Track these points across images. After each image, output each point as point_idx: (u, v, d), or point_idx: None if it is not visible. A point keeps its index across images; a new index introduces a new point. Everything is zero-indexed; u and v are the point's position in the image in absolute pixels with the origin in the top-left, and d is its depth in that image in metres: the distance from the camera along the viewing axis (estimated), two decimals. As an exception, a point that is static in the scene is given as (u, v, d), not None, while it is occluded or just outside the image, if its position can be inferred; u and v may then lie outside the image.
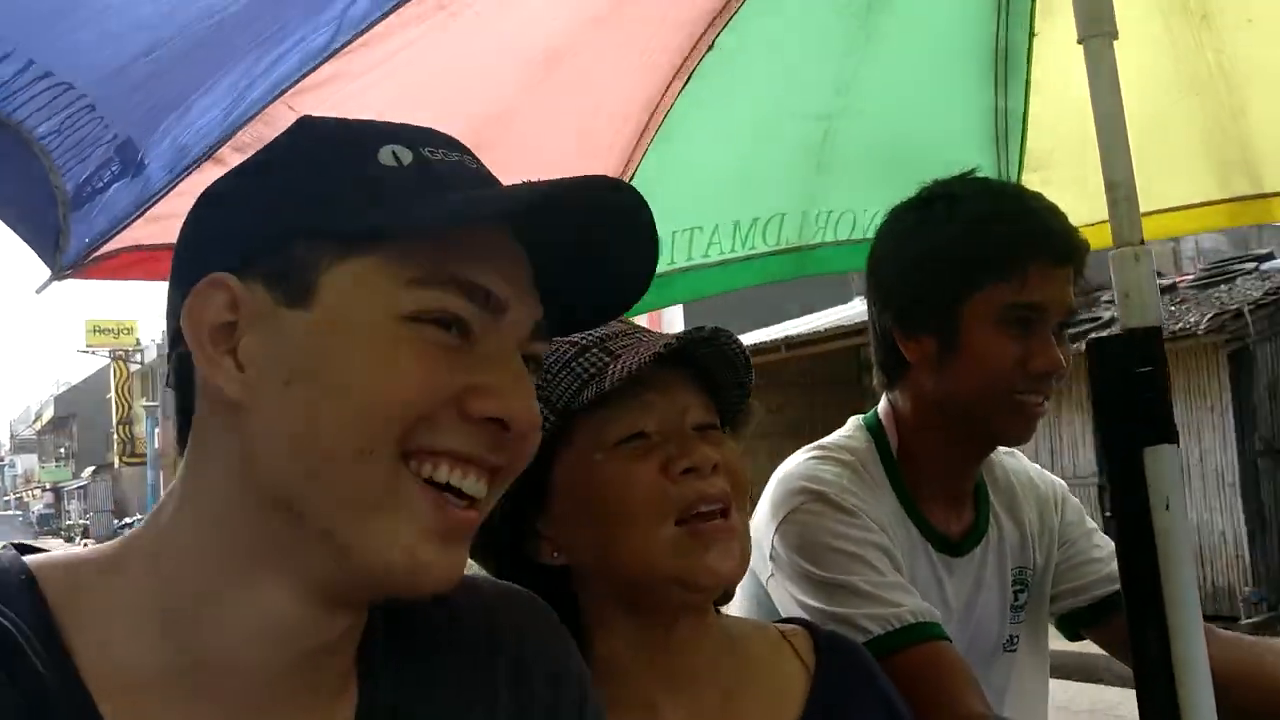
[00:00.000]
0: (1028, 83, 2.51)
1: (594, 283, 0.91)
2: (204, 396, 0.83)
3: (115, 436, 40.64)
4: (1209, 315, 10.22)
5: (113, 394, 40.50)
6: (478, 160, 0.89)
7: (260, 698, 0.81)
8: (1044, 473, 1.99)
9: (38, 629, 0.77)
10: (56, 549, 0.88)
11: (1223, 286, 11.57)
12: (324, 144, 0.85)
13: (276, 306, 0.79)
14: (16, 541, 0.90)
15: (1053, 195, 1.73)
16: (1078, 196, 2.11)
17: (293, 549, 0.78)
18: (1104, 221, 2.34)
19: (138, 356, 41.98)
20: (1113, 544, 1.84)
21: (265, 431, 0.78)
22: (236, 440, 0.79)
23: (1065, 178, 2.51)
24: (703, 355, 1.24)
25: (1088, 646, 1.98)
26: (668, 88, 2.21)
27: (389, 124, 0.86)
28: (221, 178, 0.88)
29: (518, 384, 0.82)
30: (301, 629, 0.80)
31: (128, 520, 34.79)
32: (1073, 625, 1.94)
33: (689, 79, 2.24)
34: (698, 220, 2.48)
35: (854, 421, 1.89)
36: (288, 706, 0.82)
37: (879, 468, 1.78)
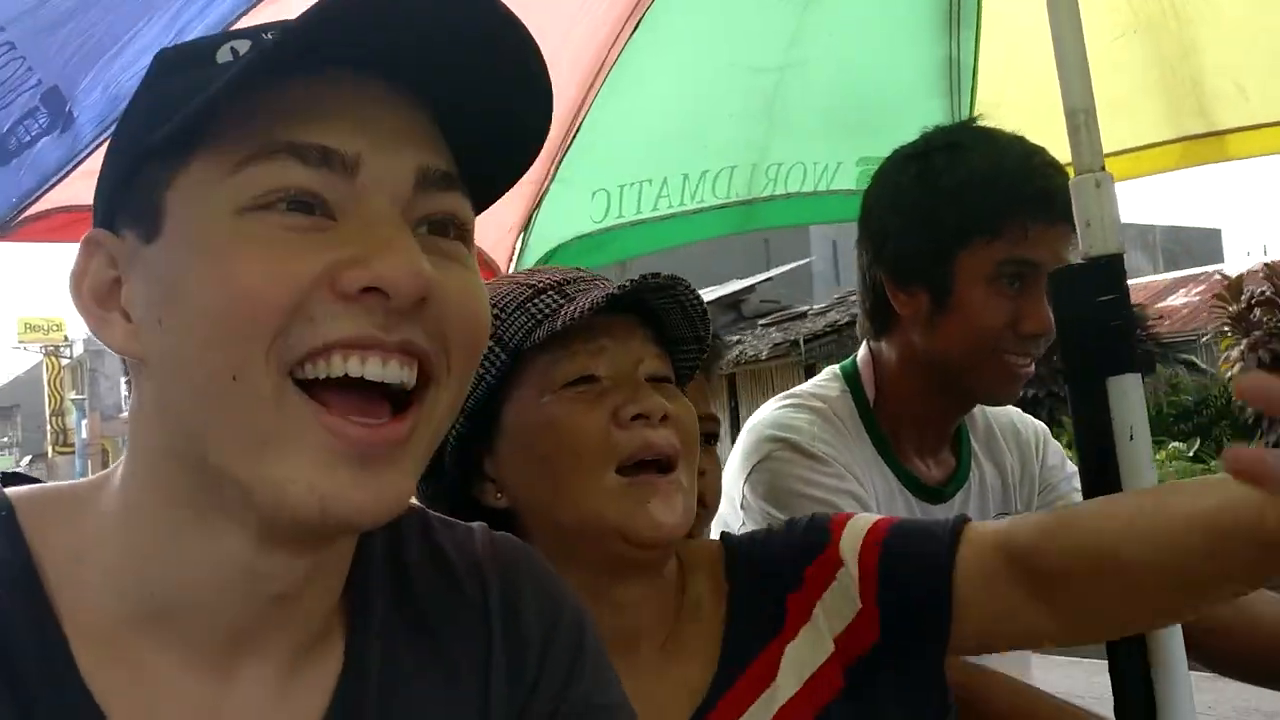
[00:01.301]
0: (978, 33, 2.49)
1: (494, 126, 0.80)
2: None
3: (49, 428, 40.58)
4: (770, 345, 16.34)
5: (45, 387, 40.48)
6: None
7: (232, 645, 0.77)
8: (1024, 416, 1.97)
9: (14, 564, 0.74)
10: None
11: (788, 324, 17.39)
12: (166, 64, 0.77)
13: (140, 246, 0.74)
14: (8, 471, 0.86)
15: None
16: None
17: (217, 497, 0.73)
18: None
19: (67, 351, 42.03)
20: None
21: (159, 381, 0.74)
22: (145, 394, 0.75)
23: (1012, 128, 2.50)
24: (660, 306, 1.22)
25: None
26: (617, 37, 2.17)
27: (249, 27, 0.78)
28: None
29: (391, 244, 0.70)
30: (262, 572, 0.75)
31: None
32: None
33: (637, 28, 2.20)
34: (646, 173, 2.44)
35: (830, 370, 1.87)
36: (264, 656, 0.78)
37: (854, 417, 1.76)
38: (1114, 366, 1.29)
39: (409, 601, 0.87)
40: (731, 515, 1.67)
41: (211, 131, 0.71)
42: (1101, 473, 1.29)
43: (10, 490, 0.79)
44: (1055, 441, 1.96)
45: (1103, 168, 1.32)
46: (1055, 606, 1.10)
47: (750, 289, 17.44)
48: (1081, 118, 1.32)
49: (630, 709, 0.94)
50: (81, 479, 0.83)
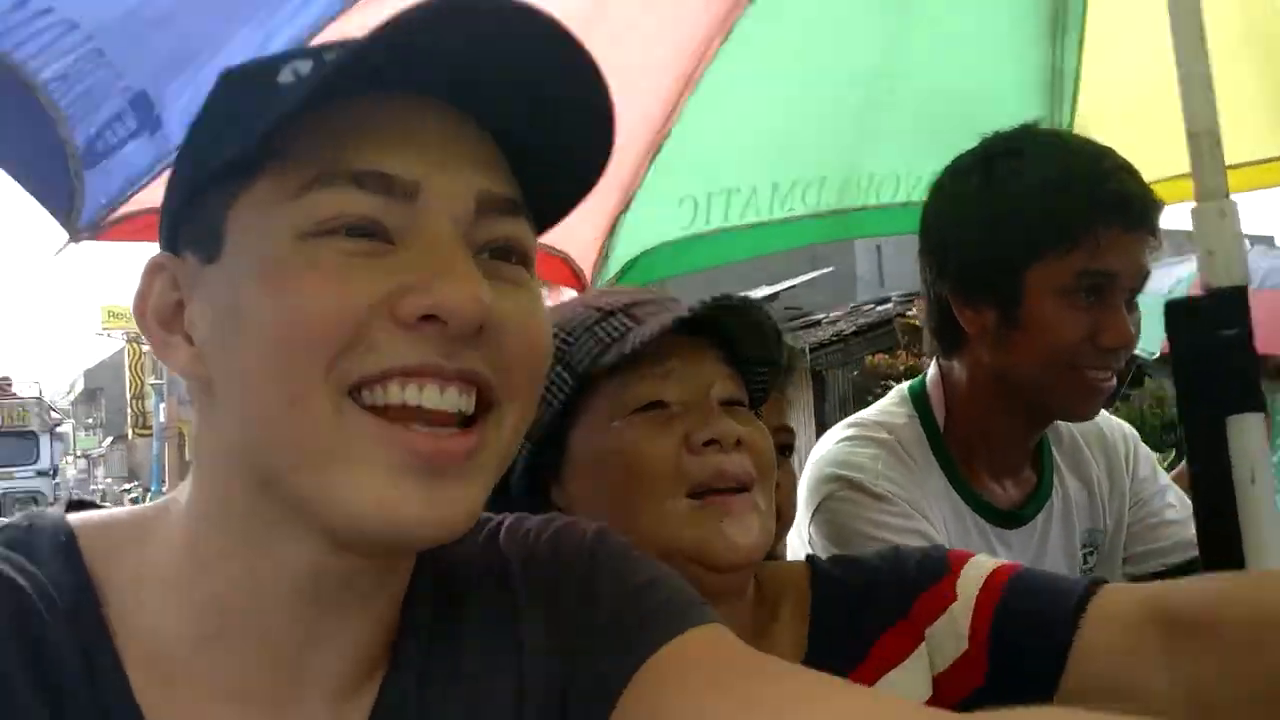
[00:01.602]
0: (1081, 38, 2.40)
1: (557, 151, 0.79)
2: None
3: (129, 411, 41.85)
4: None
5: (126, 372, 41.79)
6: None
7: (289, 668, 0.76)
8: (1111, 421, 1.85)
9: (70, 588, 0.73)
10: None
11: (801, 331, 16.60)
12: (229, 85, 0.77)
13: (201, 268, 0.74)
14: (75, 498, 0.87)
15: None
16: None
17: (282, 511, 0.72)
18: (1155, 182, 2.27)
19: (146, 338, 43.68)
20: (1187, 502, 1.74)
21: (222, 401, 0.73)
22: (209, 414, 0.75)
23: (1114, 141, 2.41)
24: (733, 328, 1.18)
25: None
26: (709, 45, 2.12)
27: (311, 47, 0.77)
28: None
29: (451, 268, 0.69)
30: (324, 572, 0.74)
31: (126, 486, 36.81)
32: None
33: (728, 37, 2.16)
34: (735, 182, 2.40)
35: (898, 391, 1.79)
36: (315, 683, 0.77)
37: (922, 444, 1.68)
38: (1235, 405, 1.22)
39: (450, 618, 0.85)
40: (801, 548, 1.63)
41: (273, 154, 0.70)
42: (1219, 519, 1.21)
43: (73, 516, 0.79)
44: (1145, 447, 1.86)
45: (1227, 194, 1.24)
46: (1209, 690, 0.94)
47: (774, 296, 17.38)
48: (1205, 141, 1.25)
49: (667, 571, 0.88)
50: (147, 504, 0.84)
